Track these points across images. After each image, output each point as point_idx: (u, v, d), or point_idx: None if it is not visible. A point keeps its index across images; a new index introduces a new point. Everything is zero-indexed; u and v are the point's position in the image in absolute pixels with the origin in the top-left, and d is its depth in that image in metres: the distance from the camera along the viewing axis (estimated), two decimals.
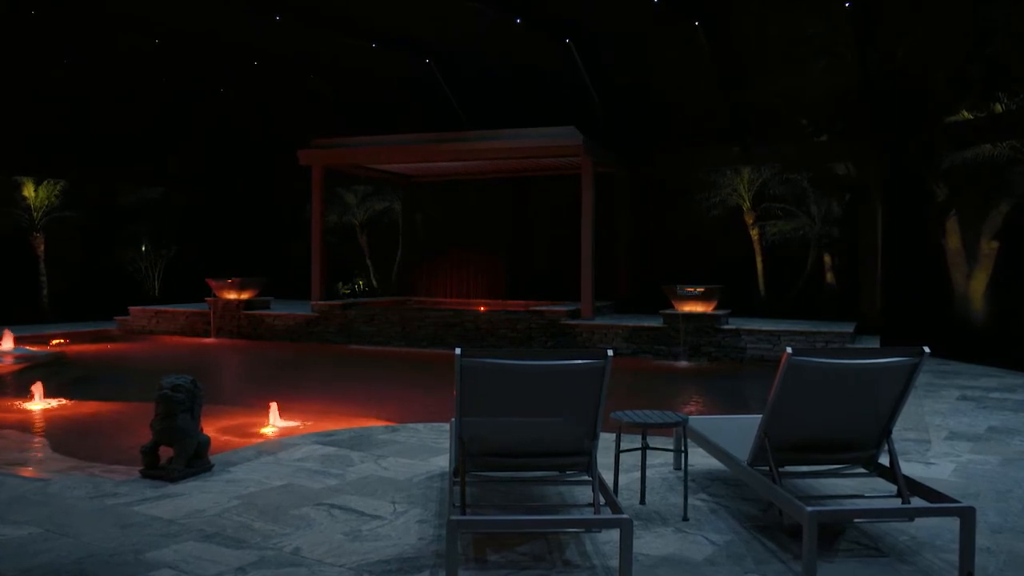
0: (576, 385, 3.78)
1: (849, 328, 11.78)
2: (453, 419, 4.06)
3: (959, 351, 10.94)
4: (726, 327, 12.05)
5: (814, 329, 11.66)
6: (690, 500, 4.57)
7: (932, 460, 5.60)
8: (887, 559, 3.78)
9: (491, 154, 13.93)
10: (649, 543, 3.94)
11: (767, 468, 4.01)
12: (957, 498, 3.99)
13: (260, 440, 6.51)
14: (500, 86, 15.65)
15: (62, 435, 6.64)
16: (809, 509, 3.51)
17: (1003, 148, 10.74)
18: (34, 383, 8.18)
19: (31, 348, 12.05)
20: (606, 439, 4.63)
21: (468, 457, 3.88)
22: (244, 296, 14.71)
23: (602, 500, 3.85)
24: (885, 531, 4.13)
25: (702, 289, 11.95)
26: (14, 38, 14.54)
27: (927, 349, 3.89)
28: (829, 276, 13.89)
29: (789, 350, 3.79)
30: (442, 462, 5.45)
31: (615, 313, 14.46)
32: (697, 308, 11.99)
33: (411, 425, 6.71)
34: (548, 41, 14.13)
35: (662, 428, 4.52)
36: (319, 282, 14.97)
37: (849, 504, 4.38)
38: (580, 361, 3.75)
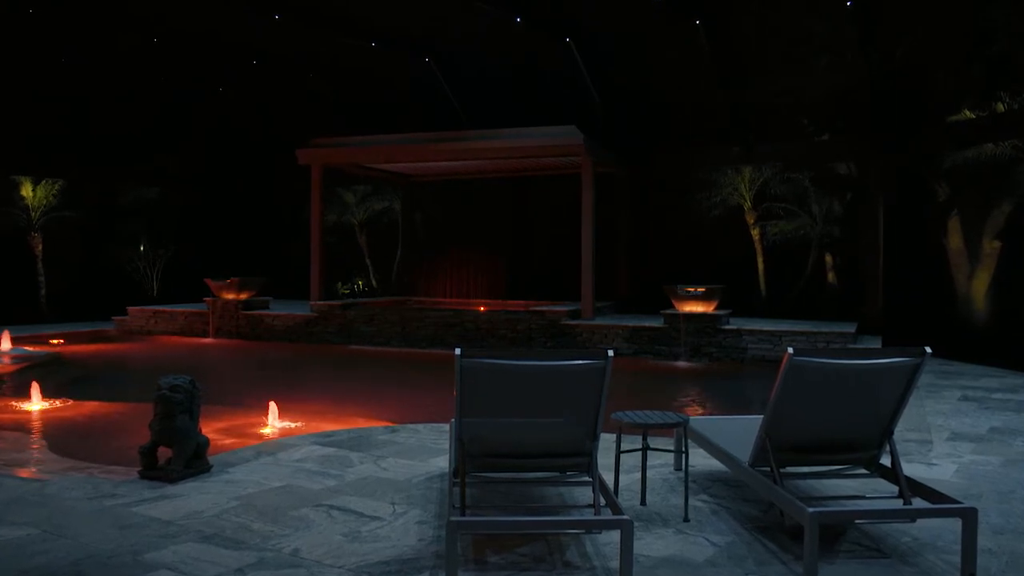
0: (576, 386, 3.76)
1: (850, 328, 11.76)
2: (453, 420, 4.04)
3: (961, 351, 10.92)
4: (727, 327, 12.03)
5: (815, 329, 11.65)
6: (691, 501, 4.55)
7: (934, 461, 5.58)
8: (889, 560, 3.76)
9: (491, 154, 13.91)
10: (650, 544, 3.92)
11: (768, 469, 3.99)
12: (959, 499, 3.97)
13: (259, 441, 6.49)
14: (500, 86, 15.63)
15: (60, 436, 6.63)
16: (810, 510, 3.49)
17: (1005, 147, 10.71)
18: (32, 383, 8.16)
19: (29, 348, 12.03)
20: (607, 440, 4.61)
21: (468, 458, 3.86)
22: (243, 296, 14.69)
23: (602, 501, 3.84)
24: (887, 532, 4.11)
25: (703, 289, 11.93)
26: (14, 38, 14.52)
27: (928, 349, 3.87)
28: (830, 276, 13.88)
29: (790, 350, 3.77)
30: (442, 463, 5.43)
31: (615, 313, 14.44)
32: (698, 308, 11.97)
33: (411, 426, 6.69)
34: (548, 41, 14.12)
35: (663, 429, 4.50)
36: (318, 282, 14.95)
37: (851, 505, 4.35)
38: (580, 361, 3.73)
